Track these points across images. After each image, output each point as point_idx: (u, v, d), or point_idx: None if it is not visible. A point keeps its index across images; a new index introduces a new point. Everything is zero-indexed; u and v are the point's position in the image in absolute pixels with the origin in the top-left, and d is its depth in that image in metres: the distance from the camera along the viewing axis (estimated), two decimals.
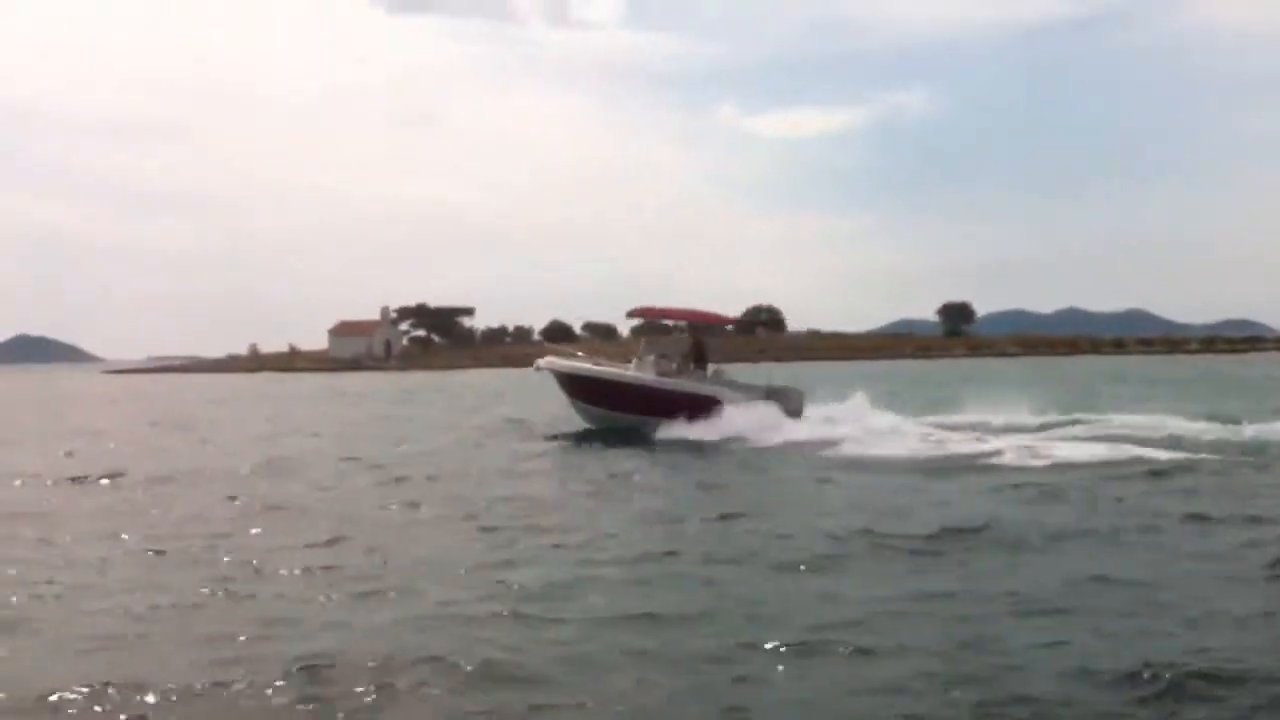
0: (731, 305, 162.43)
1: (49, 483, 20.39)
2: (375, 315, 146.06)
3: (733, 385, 29.28)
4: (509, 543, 13.29)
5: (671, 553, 12.51)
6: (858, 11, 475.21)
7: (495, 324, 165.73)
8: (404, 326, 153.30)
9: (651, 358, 30.05)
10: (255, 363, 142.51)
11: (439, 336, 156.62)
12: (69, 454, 26.30)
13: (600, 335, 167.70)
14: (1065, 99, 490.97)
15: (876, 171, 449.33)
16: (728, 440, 25.85)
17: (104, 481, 20.30)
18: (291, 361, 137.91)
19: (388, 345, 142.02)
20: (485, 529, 14.33)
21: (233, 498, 17.59)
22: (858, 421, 26.90)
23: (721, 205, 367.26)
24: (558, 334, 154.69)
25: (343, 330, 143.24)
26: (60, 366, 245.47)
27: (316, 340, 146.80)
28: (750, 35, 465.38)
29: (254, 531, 14.49)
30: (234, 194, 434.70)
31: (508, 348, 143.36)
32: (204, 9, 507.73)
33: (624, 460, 22.85)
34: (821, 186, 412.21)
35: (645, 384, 29.32)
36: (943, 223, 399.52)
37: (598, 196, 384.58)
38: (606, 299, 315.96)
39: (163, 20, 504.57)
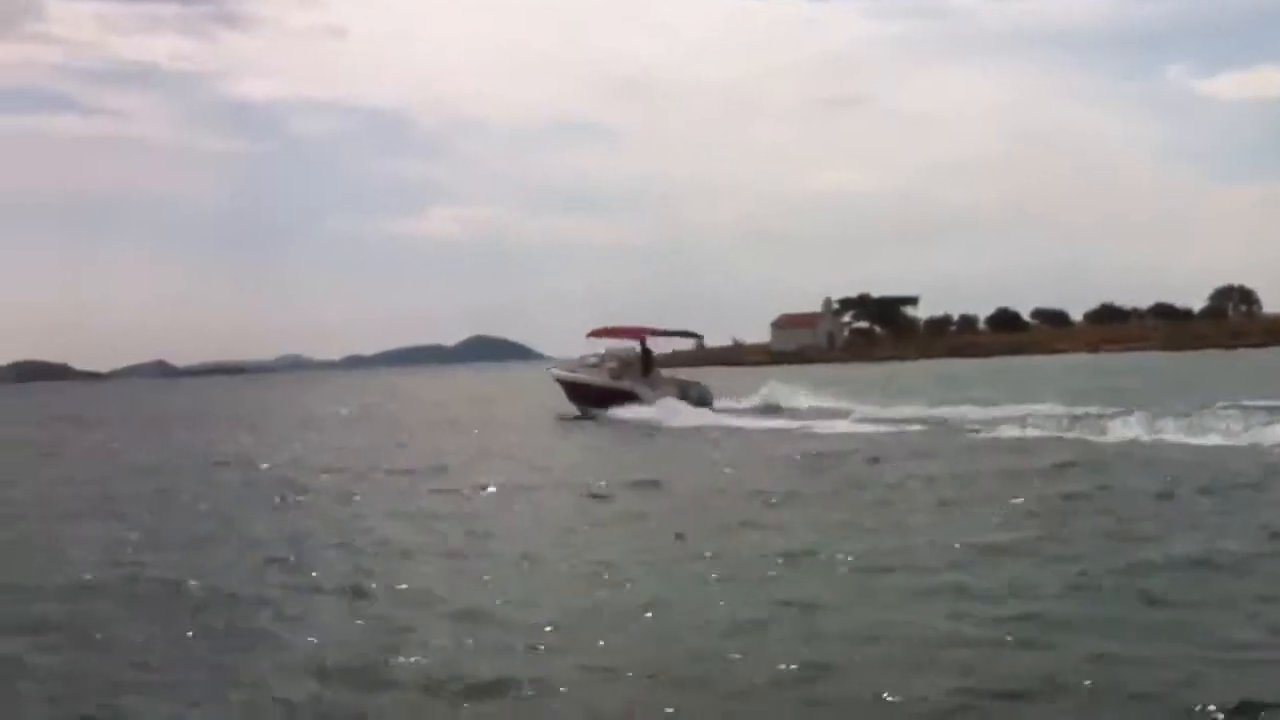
0: (1193, 287, 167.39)
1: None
2: (817, 307, 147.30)
3: (653, 384, 39.52)
4: None
5: None
6: None
7: (939, 313, 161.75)
8: (846, 318, 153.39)
9: (613, 365, 40.84)
10: (700, 356, 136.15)
11: (881, 327, 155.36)
12: None
13: (1051, 322, 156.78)
14: None
15: None
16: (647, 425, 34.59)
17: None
18: (737, 355, 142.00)
19: (830, 336, 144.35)
20: None
21: None
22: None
23: (1175, 177, 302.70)
24: (1005, 322, 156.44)
25: (785, 322, 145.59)
26: (515, 365, 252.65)
27: (759, 333, 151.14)
28: None
29: None
30: (667, 189, 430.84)
31: (952, 337, 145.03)
32: (629, 10, 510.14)
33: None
34: None
35: (594, 383, 40.82)
36: None
37: (1036, 174, 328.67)
38: (1053, 283, 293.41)
39: (588, 22, 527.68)
